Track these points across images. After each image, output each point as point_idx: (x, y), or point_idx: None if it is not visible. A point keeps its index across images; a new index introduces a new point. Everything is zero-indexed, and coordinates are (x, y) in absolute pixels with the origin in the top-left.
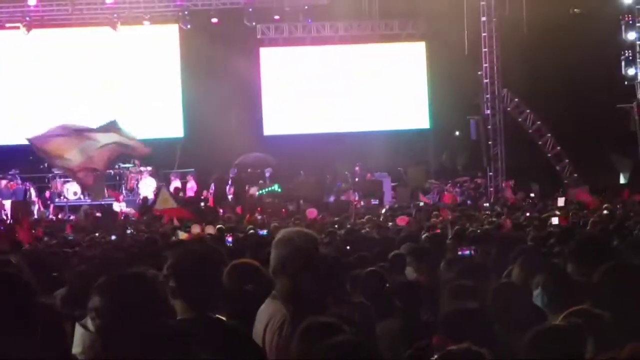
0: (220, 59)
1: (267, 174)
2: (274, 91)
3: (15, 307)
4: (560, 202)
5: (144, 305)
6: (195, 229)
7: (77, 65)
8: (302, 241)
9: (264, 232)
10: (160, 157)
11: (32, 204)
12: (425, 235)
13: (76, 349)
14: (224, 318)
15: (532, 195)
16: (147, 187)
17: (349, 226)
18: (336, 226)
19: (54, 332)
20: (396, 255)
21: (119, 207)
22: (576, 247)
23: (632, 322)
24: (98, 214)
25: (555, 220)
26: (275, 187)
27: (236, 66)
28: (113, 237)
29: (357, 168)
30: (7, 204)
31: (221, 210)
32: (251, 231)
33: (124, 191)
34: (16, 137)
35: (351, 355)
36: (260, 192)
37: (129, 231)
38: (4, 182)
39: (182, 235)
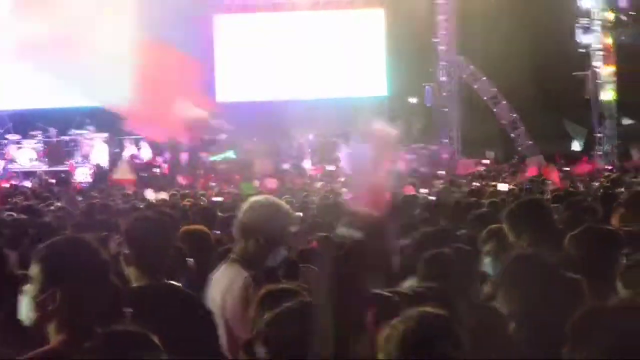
0: (174, 25)
1: (221, 141)
2: (228, 58)
3: None
4: (502, 187)
5: (82, 268)
6: (150, 195)
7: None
8: (273, 208)
9: (219, 199)
10: (114, 122)
11: None
12: None
13: (20, 315)
14: (178, 284)
15: (486, 162)
16: (100, 153)
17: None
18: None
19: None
20: None
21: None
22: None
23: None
24: (52, 181)
25: (503, 187)
26: (230, 154)
27: (188, 33)
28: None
29: (310, 136)
30: None
31: (178, 177)
32: (203, 198)
33: (78, 157)
34: None
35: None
36: (214, 158)
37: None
38: None
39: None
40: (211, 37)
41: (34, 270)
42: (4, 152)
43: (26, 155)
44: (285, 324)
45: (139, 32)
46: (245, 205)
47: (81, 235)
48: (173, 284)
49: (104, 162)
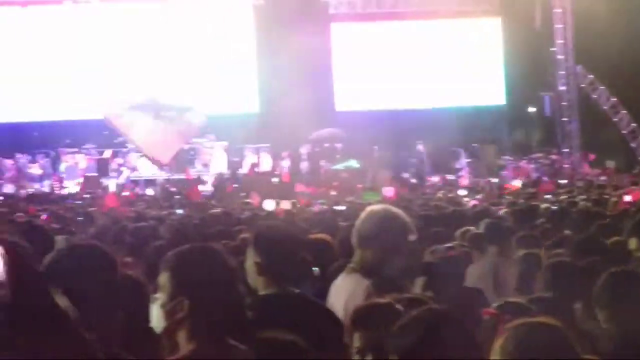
0: (292, 34)
1: (339, 149)
2: (346, 67)
3: (101, 281)
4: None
5: (210, 277)
6: (269, 205)
7: (154, 39)
8: (390, 217)
9: (341, 207)
10: (234, 132)
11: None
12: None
13: (152, 322)
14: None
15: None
16: (220, 162)
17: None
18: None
19: (138, 306)
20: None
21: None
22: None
23: None
24: (173, 189)
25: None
26: (352, 163)
27: (307, 41)
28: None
29: (429, 146)
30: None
31: (298, 186)
32: (324, 206)
33: (198, 166)
34: (90, 112)
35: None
36: (336, 167)
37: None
38: (79, 156)
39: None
40: (329, 46)
41: (163, 278)
42: (125, 160)
43: (147, 163)
44: (412, 331)
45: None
46: (362, 215)
47: (210, 244)
48: (301, 293)
49: (224, 170)
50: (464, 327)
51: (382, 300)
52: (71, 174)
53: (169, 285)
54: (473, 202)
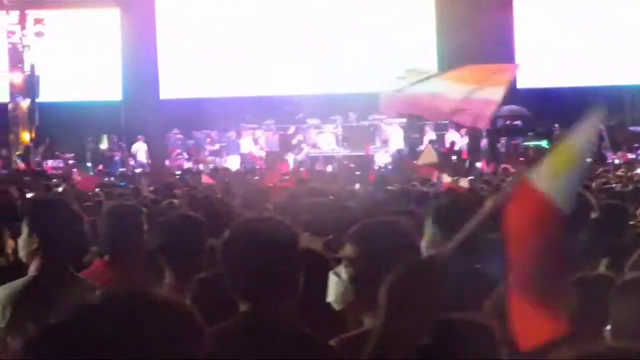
0: (473, 9)
1: (519, 126)
2: (528, 42)
3: (282, 256)
4: None
5: (397, 252)
6: (446, 179)
7: (330, 15)
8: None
9: None
10: None
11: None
12: None
13: (329, 298)
14: None
15: None
16: (398, 138)
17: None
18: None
19: (318, 279)
20: None
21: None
22: None
23: None
24: (352, 165)
25: None
26: (543, 143)
27: (489, 17)
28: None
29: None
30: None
31: (478, 164)
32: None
33: (378, 142)
34: (270, 88)
35: None
36: (527, 144)
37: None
38: (258, 132)
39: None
40: (511, 21)
41: (350, 250)
42: (305, 137)
43: (326, 140)
44: None
45: None
46: None
47: (395, 218)
48: None
49: (402, 147)
50: None
51: None
52: (232, 149)
53: (356, 257)
54: None
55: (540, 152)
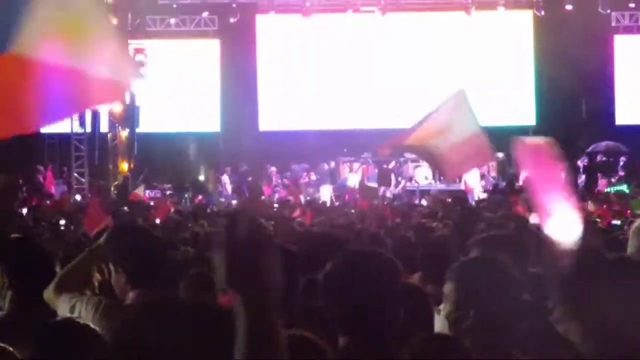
0: (573, 46)
1: (621, 163)
2: (627, 80)
3: (384, 290)
4: None
5: (499, 292)
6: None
7: (428, 49)
8: None
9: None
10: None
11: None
12: None
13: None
14: None
15: None
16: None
17: None
18: None
19: (421, 314)
20: None
21: (475, 195)
22: None
23: None
24: (448, 200)
25: None
26: (624, 187)
27: (589, 54)
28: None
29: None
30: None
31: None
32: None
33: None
34: (368, 120)
35: None
36: (609, 189)
37: None
38: (356, 165)
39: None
40: (612, 57)
41: (448, 288)
42: (402, 170)
43: (423, 173)
44: None
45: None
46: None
47: (494, 256)
48: None
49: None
50: None
51: None
52: (326, 180)
53: (454, 295)
54: None
55: (621, 198)
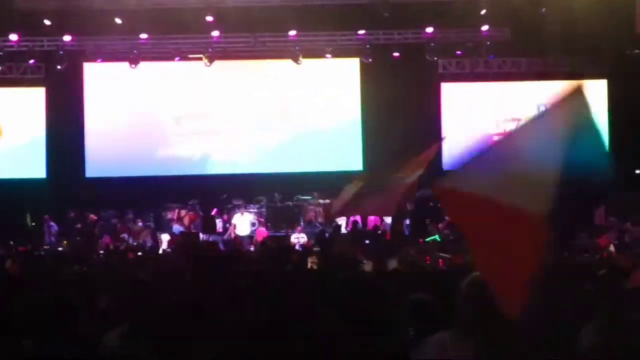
0: (400, 92)
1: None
2: (454, 126)
3: None
4: None
5: None
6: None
7: (257, 96)
8: None
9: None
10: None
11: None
12: None
13: None
14: None
15: None
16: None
17: None
18: None
19: None
20: None
21: (296, 238)
22: None
23: None
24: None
25: None
26: (436, 237)
27: (417, 100)
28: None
29: None
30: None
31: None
32: None
33: (302, 223)
34: (197, 167)
35: None
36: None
37: None
38: (183, 212)
39: None
40: (439, 103)
41: None
42: (229, 217)
43: (246, 220)
44: None
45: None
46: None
47: None
48: None
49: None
50: None
51: None
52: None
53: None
54: None
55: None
